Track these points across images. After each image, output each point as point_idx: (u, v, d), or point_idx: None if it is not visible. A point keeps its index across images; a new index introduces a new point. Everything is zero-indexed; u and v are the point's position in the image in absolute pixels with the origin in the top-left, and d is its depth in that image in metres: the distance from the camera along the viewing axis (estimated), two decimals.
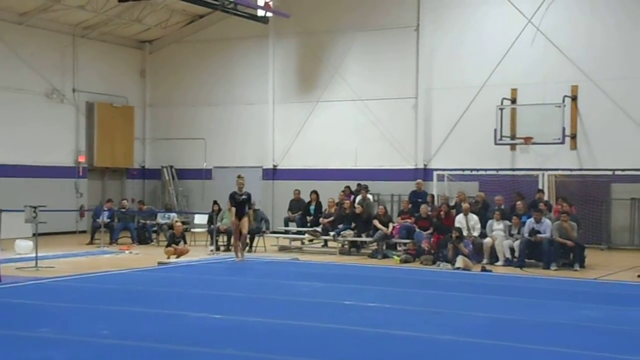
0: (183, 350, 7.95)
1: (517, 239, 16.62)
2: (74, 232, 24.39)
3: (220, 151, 26.66)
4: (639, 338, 9.03)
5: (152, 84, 28.10)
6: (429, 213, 18.33)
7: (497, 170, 21.35)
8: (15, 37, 23.49)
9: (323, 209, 20.50)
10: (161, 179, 27.46)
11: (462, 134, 22.69)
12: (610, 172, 20.26)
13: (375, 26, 24.10)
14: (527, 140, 20.51)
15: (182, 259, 16.95)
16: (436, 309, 10.59)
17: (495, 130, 20.73)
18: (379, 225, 18.43)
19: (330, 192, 21.08)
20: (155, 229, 21.52)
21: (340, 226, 19.14)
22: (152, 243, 21.17)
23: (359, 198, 20.31)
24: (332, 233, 19.13)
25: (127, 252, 18.89)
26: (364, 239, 18.88)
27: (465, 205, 17.78)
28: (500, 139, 20.86)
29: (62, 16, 24.32)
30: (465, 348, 8.30)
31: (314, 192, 21.06)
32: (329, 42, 24.93)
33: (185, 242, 17.91)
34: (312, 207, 20.80)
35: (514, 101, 21.68)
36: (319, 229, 19.69)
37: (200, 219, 21.97)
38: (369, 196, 20.87)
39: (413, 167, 23.35)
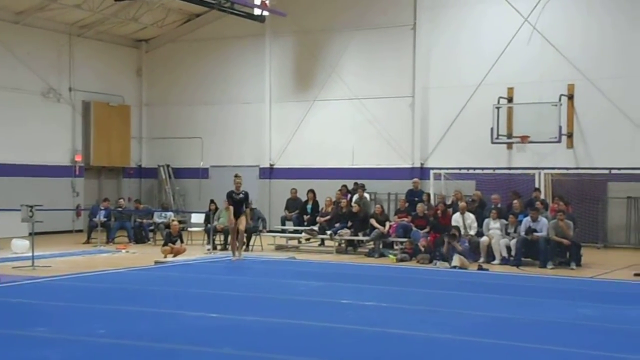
0: (180, 350, 7.95)
1: (513, 238, 16.64)
2: (70, 232, 24.36)
3: (217, 150, 26.65)
4: (635, 337, 9.05)
5: (148, 83, 28.07)
6: (426, 212, 18.33)
7: (494, 169, 21.37)
8: (12, 36, 23.44)
9: (320, 208, 20.50)
10: (158, 178, 27.43)
11: (459, 132, 22.70)
12: (606, 171, 20.27)
13: (372, 25, 24.10)
14: (524, 139, 20.52)
15: (179, 258, 16.95)
16: (433, 307, 10.60)
17: (492, 129, 20.73)
18: (376, 224, 18.44)
19: (327, 191, 21.08)
20: (152, 228, 21.50)
21: (337, 225, 19.14)
22: (149, 242, 21.15)
23: (355, 197, 20.31)
24: (329, 232, 19.14)
25: (123, 251, 18.88)
26: (360, 237, 18.88)
27: (462, 204, 17.79)
28: (497, 138, 20.87)
29: (58, 15, 24.29)
30: (462, 347, 8.31)
31: (311, 191, 21.07)
32: (325, 41, 24.93)
33: (182, 241, 17.91)
34: (309, 206, 20.80)
35: (510, 100, 21.69)
36: (315, 227, 19.70)
37: (197, 218, 21.98)
38: (366, 195, 20.89)
39: (410, 165, 23.36)
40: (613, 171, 20.14)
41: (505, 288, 13.14)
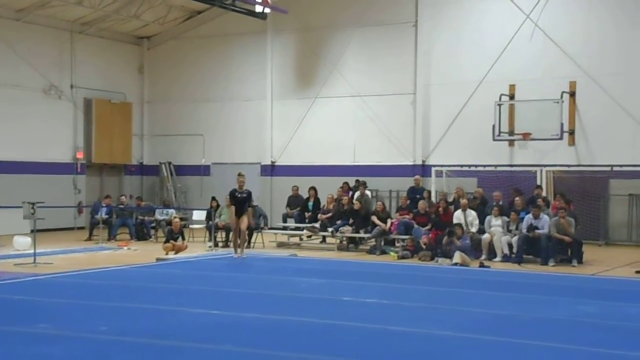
0: (181, 347, 7.95)
1: (515, 235, 16.64)
2: (72, 229, 24.37)
3: (219, 147, 26.65)
4: (635, 334, 9.04)
5: (150, 80, 28.07)
6: (427, 209, 18.33)
7: (496, 166, 21.36)
8: (13, 34, 23.45)
9: (321, 205, 20.52)
10: (159, 175, 27.45)
11: (461, 130, 22.69)
12: (608, 168, 20.27)
13: (374, 22, 24.09)
14: (526, 136, 20.51)
15: (181, 255, 16.96)
16: (434, 305, 10.61)
17: (494, 126, 20.72)
18: (377, 222, 18.44)
19: (328, 188, 21.08)
20: (153, 225, 21.52)
21: (339, 222, 19.15)
22: (151, 239, 21.16)
23: (357, 194, 20.32)
24: (330, 229, 19.15)
25: (125, 248, 18.90)
26: (362, 235, 18.88)
27: (463, 201, 17.79)
28: (499, 135, 20.86)
29: (59, 12, 24.29)
30: (464, 344, 8.31)
31: (312, 188, 21.08)
32: (327, 38, 24.92)
33: (183, 239, 17.92)
34: (310, 203, 20.81)
35: (512, 97, 21.68)
36: (317, 225, 19.70)
37: (199, 215, 22.00)
38: (367, 192, 20.90)
39: (411, 163, 23.35)
40: (615, 168, 20.14)
41: (507, 285, 13.13)
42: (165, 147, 27.49)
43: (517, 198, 17.74)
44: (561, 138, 20.29)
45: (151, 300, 10.80)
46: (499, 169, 21.30)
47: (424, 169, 22.69)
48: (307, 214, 20.60)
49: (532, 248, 16.49)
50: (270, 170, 25.74)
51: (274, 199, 24.97)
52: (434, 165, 22.04)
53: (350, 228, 18.95)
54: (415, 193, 20.10)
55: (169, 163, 27.21)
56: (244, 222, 16.57)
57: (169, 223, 19.25)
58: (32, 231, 16.43)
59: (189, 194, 27.06)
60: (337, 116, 24.66)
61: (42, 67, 24.32)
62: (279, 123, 25.64)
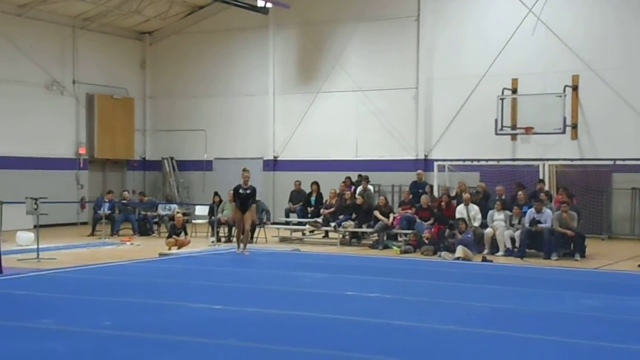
0: (184, 341, 7.97)
1: (517, 229, 16.63)
2: (75, 224, 24.42)
3: (221, 142, 26.66)
4: (638, 327, 9.05)
5: (152, 76, 28.07)
6: (430, 203, 18.32)
7: (498, 160, 21.34)
8: (15, 29, 23.45)
9: (324, 200, 20.51)
10: (162, 171, 27.47)
11: (463, 124, 22.67)
12: (611, 162, 20.26)
13: (376, 16, 24.05)
14: (528, 130, 20.48)
15: (183, 250, 16.98)
16: (437, 299, 10.61)
17: (496, 120, 20.70)
18: (380, 216, 18.44)
19: (331, 183, 21.08)
20: (156, 220, 21.54)
21: (341, 217, 19.15)
22: (153, 234, 21.19)
23: (359, 189, 20.31)
24: (332, 224, 19.14)
25: (128, 243, 18.92)
26: (364, 229, 18.89)
27: (466, 195, 17.78)
28: (501, 129, 20.83)
29: (61, 8, 24.28)
30: (466, 338, 8.31)
31: (315, 183, 21.07)
32: (329, 32, 24.89)
33: (186, 234, 17.94)
34: (312, 198, 20.80)
35: (514, 91, 21.64)
36: (319, 219, 19.70)
37: (201, 210, 22.01)
38: (370, 187, 20.87)
39: (414, 157, 23.34)
40: (617, 162, 20.13)
41: (509, 279, 13.14)
42: (167, 143, 27.50)
43: (519, 192, 17.72)
44: (564, 132, 20.26)
45: (154, 296, 10.81)
46: (501, 163, 21.28)
47: (426, 164, 22.66)
48: (309, 209, 20.59)
49: (535, 242, 16.49)
50: (273, 165, 25.75)
51: (277, 194, 24.98)
52: (437, 160, 22.01)
53: (352, 223, 18.96)
54: (418, 187, 20.08)
55: (172, 158, 27.23)
56: (247, 221, 16.36)
57: (172, 218, 19.27)
58: (35, 226, 16.44)
59: (191, 189, 27.08)
60: (339, 111, 24.65)
61: (44, 62, 24.32)
62: (281, 118, 25.64)
